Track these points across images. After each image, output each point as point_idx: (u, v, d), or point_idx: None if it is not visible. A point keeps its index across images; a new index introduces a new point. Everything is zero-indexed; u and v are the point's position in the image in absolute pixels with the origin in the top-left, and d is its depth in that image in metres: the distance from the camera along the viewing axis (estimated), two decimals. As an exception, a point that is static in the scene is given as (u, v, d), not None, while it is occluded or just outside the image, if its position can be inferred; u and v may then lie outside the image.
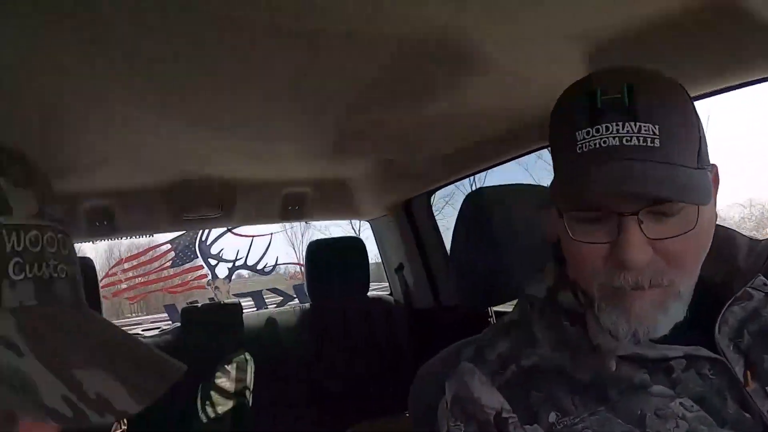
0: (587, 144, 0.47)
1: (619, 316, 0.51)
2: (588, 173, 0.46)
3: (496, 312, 1.67)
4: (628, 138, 0.45)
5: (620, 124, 0.46)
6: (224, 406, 1.86)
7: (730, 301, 0.56)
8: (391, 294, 2.32)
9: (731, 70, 0.96)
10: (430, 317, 2.13)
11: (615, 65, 0.54)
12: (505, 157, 1.55)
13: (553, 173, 0.57)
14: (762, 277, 0.59)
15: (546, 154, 1.22)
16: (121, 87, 0.99)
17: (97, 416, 0.28)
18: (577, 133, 0.47)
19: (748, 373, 0.54)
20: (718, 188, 0.56)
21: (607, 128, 0.46)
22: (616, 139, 0.45)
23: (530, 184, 1.06)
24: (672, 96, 0.50)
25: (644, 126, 0.46)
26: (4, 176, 0.30)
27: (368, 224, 2.32)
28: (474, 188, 1.01)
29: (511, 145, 1.47)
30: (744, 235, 0.63)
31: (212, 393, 1.88)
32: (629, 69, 0.53)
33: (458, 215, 0.91)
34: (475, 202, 0.91)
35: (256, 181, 1.86)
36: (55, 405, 0.27)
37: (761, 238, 0.63)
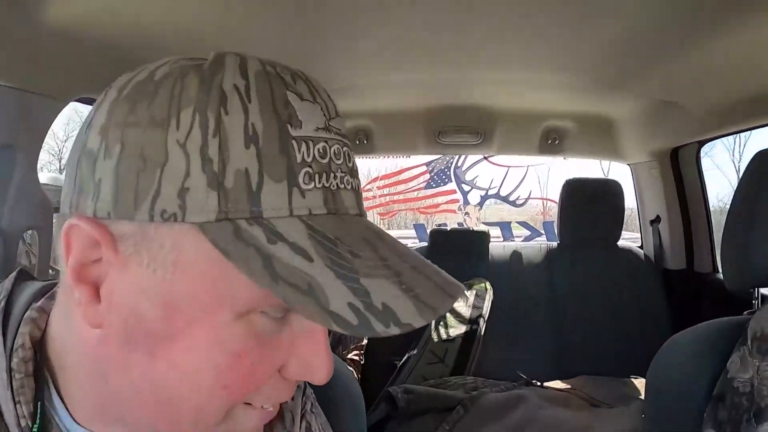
0: None
1: None
2: None
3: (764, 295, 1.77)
4: None
5: None
6: (457, 329, 2.24)
7: None
8: (641, 247, 2.55)
9: None
10: (680, 280, 2.31)
11: None
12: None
13: None
14: None
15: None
16: (383, 14, 1.24)
17: (383, 326, 0.34)
18: None
19: None
20: None
21: None
22: None
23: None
24: None
25: None
26: (293, 92, 0.39)
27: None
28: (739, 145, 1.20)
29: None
30: None
31: (448, 315, 2.30)
32: None
33: (744, 176, 0.97)
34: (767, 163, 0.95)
35: (518, 110, 2.19)
36: (340, 311, 0.34)
37: None
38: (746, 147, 9.52)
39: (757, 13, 1.09)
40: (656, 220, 2.39)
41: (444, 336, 2.23)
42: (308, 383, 0.62)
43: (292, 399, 0.58)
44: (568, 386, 2.07)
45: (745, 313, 0.97)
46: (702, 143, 2.18)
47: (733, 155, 9.85)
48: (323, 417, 0.63)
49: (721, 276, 2.21)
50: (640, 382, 2.06)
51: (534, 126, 2.33)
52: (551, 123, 2.32)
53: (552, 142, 2.40)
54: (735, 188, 1.00)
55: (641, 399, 1.92)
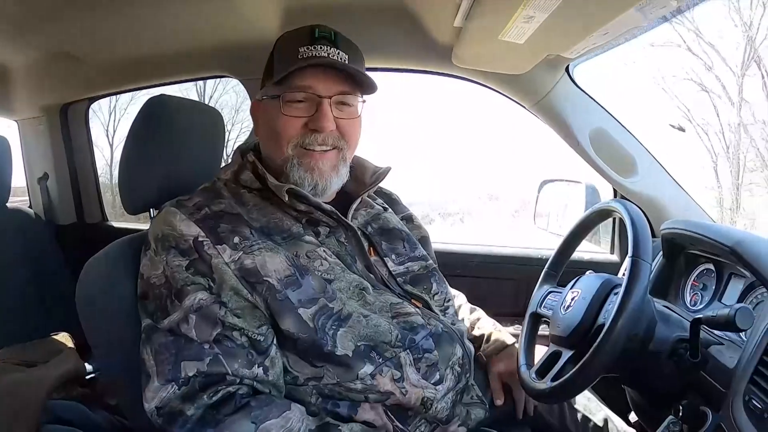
0: (307, 53, 0.99)
1: (307, 171, 1.03)
2: (308, 66, 0.98)
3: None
4: (332, 54, 1.00)
5: (329, 47, 1.00)
6: None
7: (356, 204, 1.13)
8: (30, 206, 2.49)
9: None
10: (72, 233, 2.40)
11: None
12: (183, 77, 2.02)
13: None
14: (380, 194, 1.30)
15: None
16: None
17: None
18: (300, 49, 0.99)
19: (371, 249, 1.11)
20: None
21: (321, 48, 1.00)
22: (326, 53, 0.99)
23: (206, 104, 1.44)
24: (355, 47, 1.07)
25: (341, 52, 1.01)
26: None
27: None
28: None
29: (190, 66, 1.90)
30: (371, 163, 1.21)
31: None
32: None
33: (137, 119, 1.15)
34: (158, 107, 1.16)
35: None
36: None
37: (384, 166, 1.20)
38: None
39: None
40: (44, 177, 2.40)
41: None
42: None
43: None
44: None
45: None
46: (92, 100, 2.35)
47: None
48: None
49: (109, 223, 2.44)
50: (62, 336, 2.03)
51: None
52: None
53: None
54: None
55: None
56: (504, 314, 1.68)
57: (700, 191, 7.69)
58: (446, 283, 1.25)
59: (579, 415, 1.20)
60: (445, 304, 1.20)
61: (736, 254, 1.09)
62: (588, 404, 1.22)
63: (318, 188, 1.06)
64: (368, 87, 1.07)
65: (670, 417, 1.00)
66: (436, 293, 1.18)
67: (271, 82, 1.05)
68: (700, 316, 0.93)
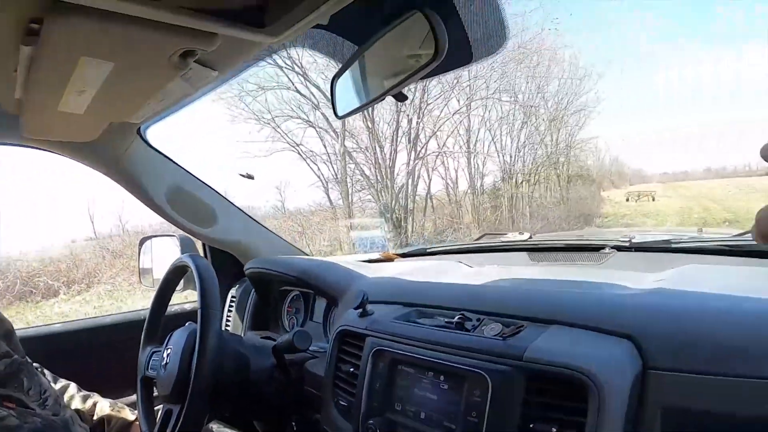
0: None
1: None
2: None
3: None
4: None
5: None
6: None
7: None
8: None
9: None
10: None
11: None
12: None
13: None
14: None
15: None
16: None
17: None
18: None
19: None
20: None
21: None
22: None
23: None
24: None
25: None
26: None
27: None
28: None
29: None
30: None
31: None
32: None
33: None
34: None
35: None
36: None
37: None
38: None
39: None
40: None
41: None
42: None
43: None
44: None
45: None
46: None
47: None
48: None
49: None
50: None
51: None
52: None
53: None
54: None
55: None
56: (124, 385, 1.60)
57: (318, 212, 8.62)
58: (38, 374, 1.15)
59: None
60: (43, 396, 1.10)
61: (302, 281, 1.26)
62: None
63: None
64: None
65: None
66: (29, 388, 1.08)
67: None
68: (275, 343, 1.05)
